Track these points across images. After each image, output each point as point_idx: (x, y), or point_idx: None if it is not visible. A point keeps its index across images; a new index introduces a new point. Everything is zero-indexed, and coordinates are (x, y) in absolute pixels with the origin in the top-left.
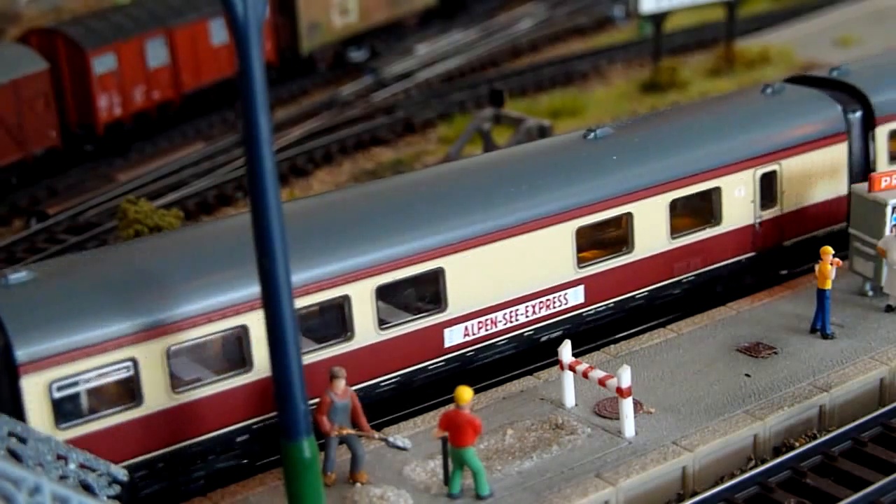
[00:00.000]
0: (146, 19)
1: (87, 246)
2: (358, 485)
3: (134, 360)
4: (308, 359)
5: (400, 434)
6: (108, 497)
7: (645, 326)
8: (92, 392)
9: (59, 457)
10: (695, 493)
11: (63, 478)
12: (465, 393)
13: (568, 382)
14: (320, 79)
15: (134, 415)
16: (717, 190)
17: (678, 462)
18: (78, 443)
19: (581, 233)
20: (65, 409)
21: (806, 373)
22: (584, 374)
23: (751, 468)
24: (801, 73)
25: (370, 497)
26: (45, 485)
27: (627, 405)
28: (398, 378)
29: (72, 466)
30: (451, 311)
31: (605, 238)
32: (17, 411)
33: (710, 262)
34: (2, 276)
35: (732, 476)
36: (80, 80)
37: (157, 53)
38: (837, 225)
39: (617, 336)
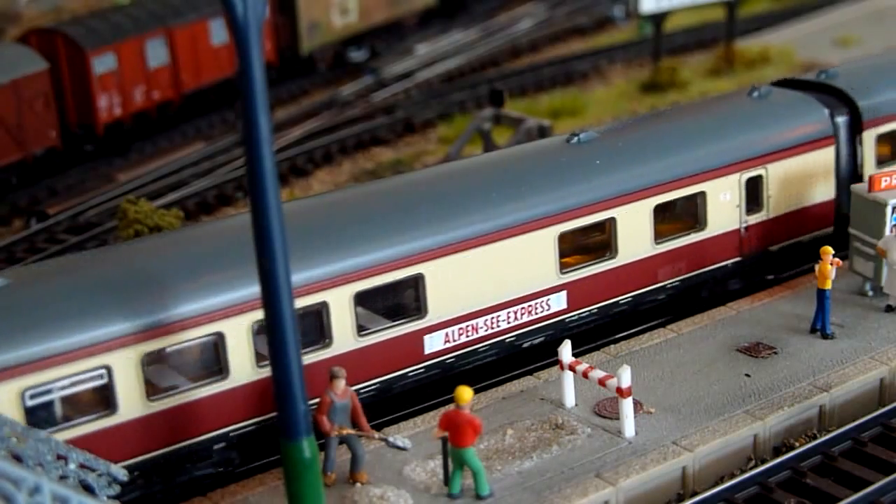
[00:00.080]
0: (146, 19)
1: (86, 246)
2: (358, 485)
3: (108, 368)
4: None
5: (400, 434)
6: (108, 497)
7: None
8: (66, 400)
9: (59, 457)
10: (695, 493)
11: (63, 478)
12: (465, 393)
13: (568, 382)
14: (320, 79)
15: (108, 423)
16: (702, 194)
17: (678, 462)
18: None
19: (563, 238)
20: (38, 417)
21: (806, 373)
22: (584, 374)
23: (751, 468)
24: (790, 76)
25: (370, 497)
26: (45, 485)
27: (627, 405)
28: (377, 385)
29: (72, 466)
30: (431, 318)
31: (589, 243)
32: None
33: (696, 268)
34: None
35: (732, 476)
36: (80, 80)
37: (157, 53)
38: (825, 229)
39: (599, 342)
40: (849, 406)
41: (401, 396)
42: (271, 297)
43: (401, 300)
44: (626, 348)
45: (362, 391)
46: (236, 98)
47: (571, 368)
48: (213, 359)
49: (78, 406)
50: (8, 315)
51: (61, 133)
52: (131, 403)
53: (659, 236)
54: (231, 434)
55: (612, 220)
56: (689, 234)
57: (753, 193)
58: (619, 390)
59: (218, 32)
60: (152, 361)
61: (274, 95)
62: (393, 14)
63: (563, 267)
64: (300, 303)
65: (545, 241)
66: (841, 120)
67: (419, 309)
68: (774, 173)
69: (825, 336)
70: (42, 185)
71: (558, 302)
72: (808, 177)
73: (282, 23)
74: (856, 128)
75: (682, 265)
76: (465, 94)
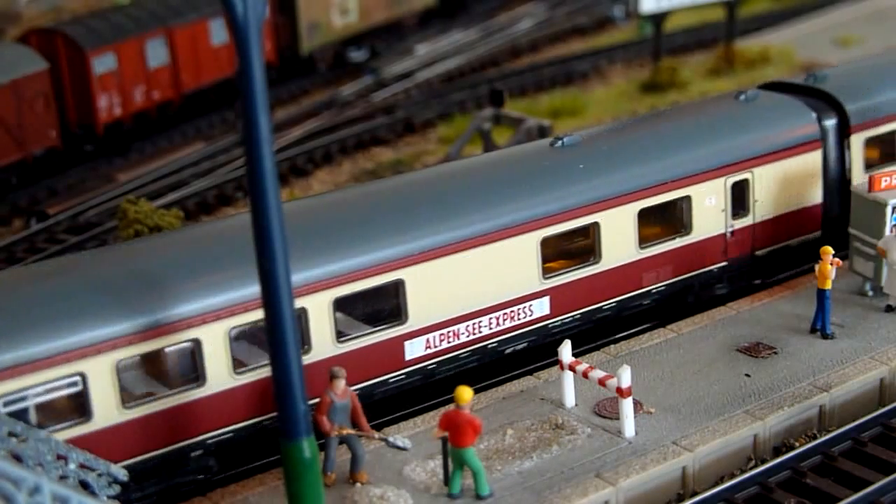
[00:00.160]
0: (146, 19)
1: (86, 246)
2: (358, 485)
3: (83, 375)
4: (263, 373)
5: (400, 434)
6: (108, 497)
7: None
8: (40, 407)
9: (59, 457)
10: (695, 493)
11: (63, 478)
12: (465, 393)
13: (568, 382)
14: (320, 79)
15: (83, 430)
16: (687, 199)
17: (678, 462)
18: None
19: (546, 243)
20: None
21: (806, 373)
22: (584, 374)
23: (751, 468)
24: (777, 79)
25: (370, 497)
26: (45, 485)
27: (627, 405)
28: (358, 391)
29: (72, 466)
30: (412, 324)
31: (572, 248)
32: None
33: (681, 273)
34: None
35: (732, 476)
36: (80, 80)
37: (157, 53)
38: (812, 234)
39: (584, 347)
40: (849, 406)
41: (382, 403)
42: (271, 297)
43: (381, 306)
44: (626, 348)
45: None
46: (236, 98)
47: (571, 368)
48: (190, 366)
49: (53, 413)
50: None
51: (61, 133)
52: (106, 411)
53: (643, 241)
54: (208, 441)
55: (596, 225)
56: (674, 238)
57: (739, 198)
58: (619, 390)
59: (218, 32)
60: (128, 368)
61: (274, 95)
62: (393, 14)
63: (546, 272)
64: None
65: (528, 246)
66: (829, 123)
67: (399, 315)
68: (760, 177)
69: (825, 336)
70: (42, 185)
71: (541, 307)
72: (795, 181)
73: (282, 23)
74: (844, 131)
75: (667, 270)
76: (465, 94)
